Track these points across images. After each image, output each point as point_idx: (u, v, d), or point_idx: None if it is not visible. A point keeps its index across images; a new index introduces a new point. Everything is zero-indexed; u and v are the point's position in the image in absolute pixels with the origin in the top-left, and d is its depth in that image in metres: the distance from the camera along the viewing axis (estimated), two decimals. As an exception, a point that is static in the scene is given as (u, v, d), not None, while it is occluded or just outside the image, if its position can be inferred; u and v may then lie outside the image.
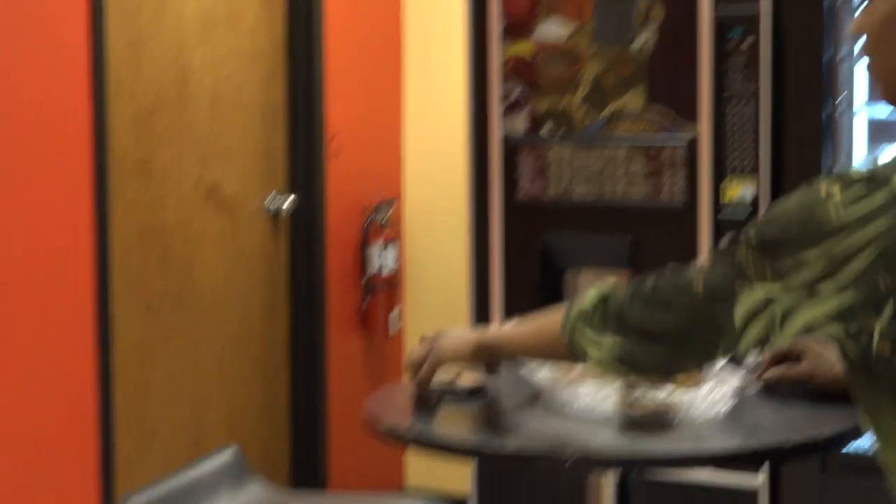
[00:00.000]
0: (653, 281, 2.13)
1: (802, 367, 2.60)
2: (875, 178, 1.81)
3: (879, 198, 1.80)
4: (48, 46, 3.70)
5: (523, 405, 2.63)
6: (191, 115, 4.30)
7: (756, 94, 3.97)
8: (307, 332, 4.74)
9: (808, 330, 1.91)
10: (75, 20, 3.76)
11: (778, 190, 3.97)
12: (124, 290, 4.02)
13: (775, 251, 1.89)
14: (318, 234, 4.74)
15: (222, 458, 3.16)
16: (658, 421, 2.45)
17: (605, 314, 2.17)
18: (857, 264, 1.81)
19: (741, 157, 4.01)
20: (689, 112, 4.06)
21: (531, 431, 2.51)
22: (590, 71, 4.19)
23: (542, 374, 2.59)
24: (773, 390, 2.61)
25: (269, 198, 4.64)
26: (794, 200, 1.89)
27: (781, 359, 2.63)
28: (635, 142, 4.14)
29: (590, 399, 2.51)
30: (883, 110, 3.96)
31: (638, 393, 2.47)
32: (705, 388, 2.50)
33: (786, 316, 1.92)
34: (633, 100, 4.14)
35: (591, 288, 2.22)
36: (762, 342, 1.98)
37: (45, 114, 3.71)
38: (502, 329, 2.48)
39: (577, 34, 4.20)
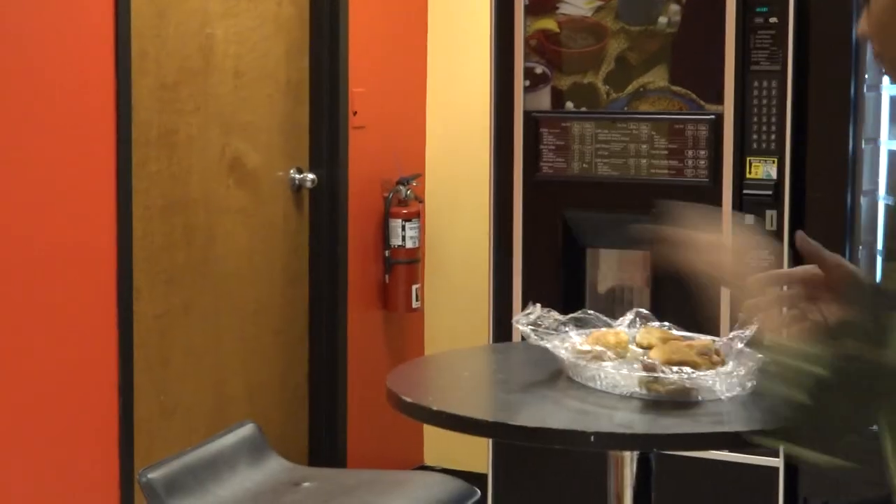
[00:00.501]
0: None
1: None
2: None
3: None
4: (73, 19, 3.70)
5: (543, 382, 2.63)
6: (215, 87, 4.30)
7: (781, 73, 3.95)
8: (328, 306, 4.75)
9: None
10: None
11: (801, 169, 3.95)
12: (146, 262, 4.03)
13: None
14: (341, 209, 4.73)
15: (241, 434, 3.16)
16: (678, 400, 2.44)
17: None
18: None
19: (765, 136, 3.99)
20: (713, 90, 4.04)
21: (551, 408, 2.51)
22: (614, 48, 4.17)
23: (562, 351, 2.59)
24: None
25: (291, 171, 4.63)
26: None
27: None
28: (659, 119, 4.12)
29: (610, 377, 2.51)
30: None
31: (658, 372, 2.46)
32: (727, 368, 2.50)
33: None
34: (656, 77, 4.13)
35: None
36: None
37: (69, 86, 3.72)
38: None
39: (602, 10, 4.18)
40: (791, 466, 4.01)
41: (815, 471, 3.97)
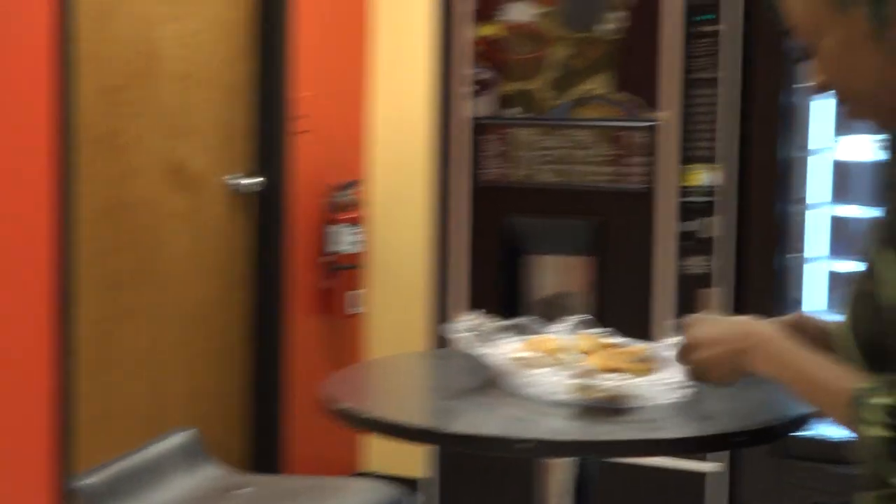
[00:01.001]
0: None
1: None
2: None
3: None
4: (14, 18, 3.67)
5: (479, 388, 2.62)
6: (159, 91, 4.28)
7: (720, 81, 3.97)
8: (268, 311, 4.73)
9: None
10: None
11: (741, 176, 3.97)
12: (88, 266, 4.00)
13: None
14: (282, 214, 4.72)
15: (178, 440, 3.15)
16: (612, 407, 2.44)
17: None
18: None
19: (706, 143, 4.01)
20: (654, 97, 4.05)
21: (486, 415, 2.50)
22: (557, 54, 4.17)
23: (498, 358, 2.58)
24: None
25: (234, 175, 4.61)
26: None
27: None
28: (601, 126, 4.13)
29: (545, 383, 2.50)
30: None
31: (593, 378, 2.46)
32: (661, 375, 2.50)
33: None
34: (599, 84, 4.13)
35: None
36: None
37: (10, 87, 3.68)
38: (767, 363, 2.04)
39: (545, 17, 4.19)
40: (731, 472, 4.03)
41: (754, 476, 3.99)
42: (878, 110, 1.89)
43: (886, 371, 1.79)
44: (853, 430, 1.80)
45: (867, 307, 1.86)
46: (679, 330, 2.16)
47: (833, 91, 1.98)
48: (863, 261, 1.89)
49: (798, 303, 4.05)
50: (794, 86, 3.91)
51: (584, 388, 2.46)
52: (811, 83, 2.01)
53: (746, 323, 2.03)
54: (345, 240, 4.95)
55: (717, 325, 2.07)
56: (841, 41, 1.92)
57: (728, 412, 2.52)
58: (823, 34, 1.94)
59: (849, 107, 1.99)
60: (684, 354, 2.12)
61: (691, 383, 2.37)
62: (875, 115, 1.89)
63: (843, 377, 1.83)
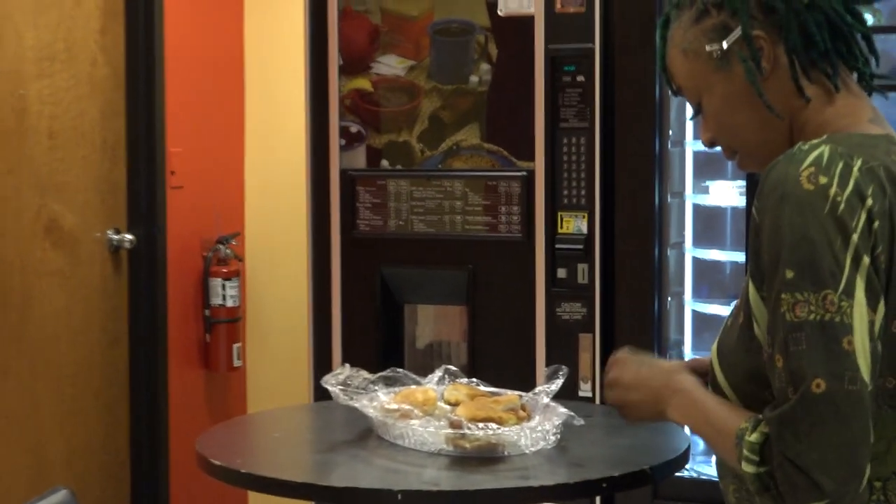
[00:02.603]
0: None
1: None
2: (838, 154, 1.81)
3: (857, 169, 1.80)
4: None
5: (356, 441, 2.64)
6: (29, 148, 4.24)
7: (589, 130, 4.03)
8: (148, 366, 4.70)
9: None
10: None
11: (610, 223, 4.02)
12: (-41, 327, 3.95)
13: (809, 256, 1.77)
14: (159, 269, 4.69)
15: (53, 501, 3.10)
16: (485, 455, 2.47)
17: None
18: (868, 236, 1.78)
19: (575, 191, 4.06)
20: (524, 147, 4.10)
21: (363, 467, 2.52)
22: (427, 106, 4.21)
23: (374, 409, 2.60)
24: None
25: (109, 231, 4.58)
26: (788, 214, 1.78)
27: None
28: (472, 176, 4.17)
29: (420, 434, 2.52)
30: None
31: (466, 428, 2.48)
32: (532, 423, 2.53)
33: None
34: (469, 135, 4.18)
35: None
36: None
37: None
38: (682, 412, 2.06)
39: (415, 70, 4.23)
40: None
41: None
42: (762, 161, 1.94)
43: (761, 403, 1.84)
44: (736, 465, 1.85)
45: (735, 339, 1.91)
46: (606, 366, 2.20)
47: (721, 145, 2.04)
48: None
49: (679, 343, 4.12)
50: (659, 134, 3.98)
51: (455, 438, 2.48)
52: (701, 139, 2.08)
53: (667, 372, 2.07)
54: (224, 293, 4.93)
55: (640, 368, 2.11)
56: (723, 98, 2.00)
57: (599, 458, 2.57)
58: (706, 93, 2.01)
59: (737, 159, 2.06)
60: (607, 390, 2.17)
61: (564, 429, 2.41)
62: (761, 166, 1.93)
63: (737, 419, 1.87)
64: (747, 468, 1.82)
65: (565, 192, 4.07)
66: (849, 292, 1.76)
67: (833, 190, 1.78)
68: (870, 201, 1.78)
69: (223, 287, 4.91)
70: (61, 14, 4.36)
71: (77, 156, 4.44)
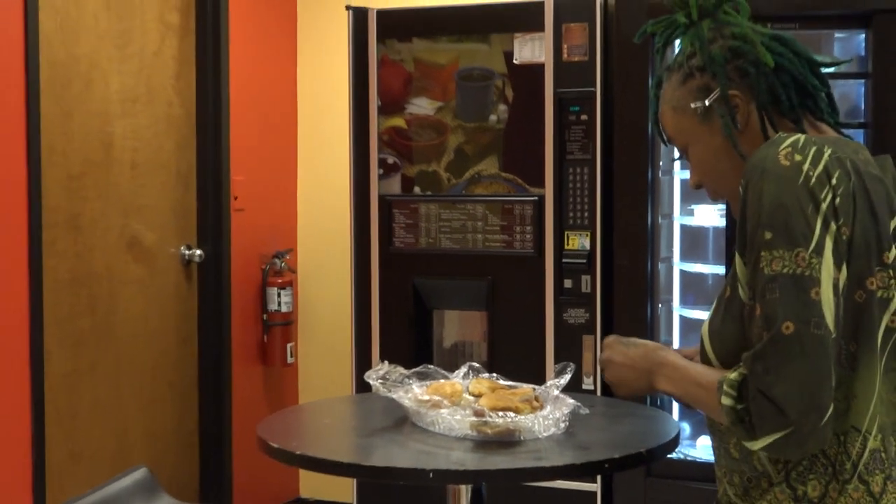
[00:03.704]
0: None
1: None
2: (813, 142, 1.83)
3: (827, 156, 1.81)
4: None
5: (394, 427, 2.62)
6: (115, 177, 4.25)
7: (591, 161, 4.02)
8: (214, 363, 4.69)
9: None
10: (14, 96, 3.71)
11: (609, 240, 4.01)
12: (56, 328, 3.95)
13: (785, 219, 1.78)
14: (224, 279, 4.69)
15: (135, 477, 3.09)
16: (504, 440, 2.45)
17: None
18: (833, 210, 1.79)
19: (579, 214, 4.05)
20: (536, 175, 4.10)
21: (400, 449, 2.50)
22: (453, 141, 4.21)
23: (409, 400, 2.59)
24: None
25: (182, 247, 4.59)
26: (767, 185, 1.80)
27: None
28: (491, 201, 4.16)
29: (448, 421, 2.51)
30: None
31: (488, 416, 2.47)
32: (544, 412, 2.51)
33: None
34: (489, 165, 4.17)
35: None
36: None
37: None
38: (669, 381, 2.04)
39: (443, 110, 4.22)
40: (607, 492, 4.04)
41: (627, 494, 4.00)
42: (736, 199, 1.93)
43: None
44: (720, 413, 1.84)
45: (722, 312, 1.91)
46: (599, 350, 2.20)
47: (706, 188, 2.05)
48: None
49: (669, 344, 4.09)
50: (651, 165, 3.97)
51: (478, 424, 2.47)
52: (690, 182, 2.08)
53: (652, 349, 2.05)
54: (279, 300, 4.93)
55: (628, 349, 2.08)
56: (706, 148, 2.01)
57: (602, 442, 2.54)
58: (692, 143, 2.02)
59: (721, 200, 2.06)
60: (601, 370, 2.15)
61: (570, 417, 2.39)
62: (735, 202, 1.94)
63: (718, 373, 1.86)
64: (726, 401, 1.81)
65: (571, 214, 4.06)
66: (818, 251, 1.77)
67: (806, 166, 1.79)
68: (835, 181, 1.80)
69: (278, 295, 4.91)
70: (142, 63, 4.36)
71: (155, 183, 4.45)
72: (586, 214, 4.03)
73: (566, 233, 4.07)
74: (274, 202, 5.09)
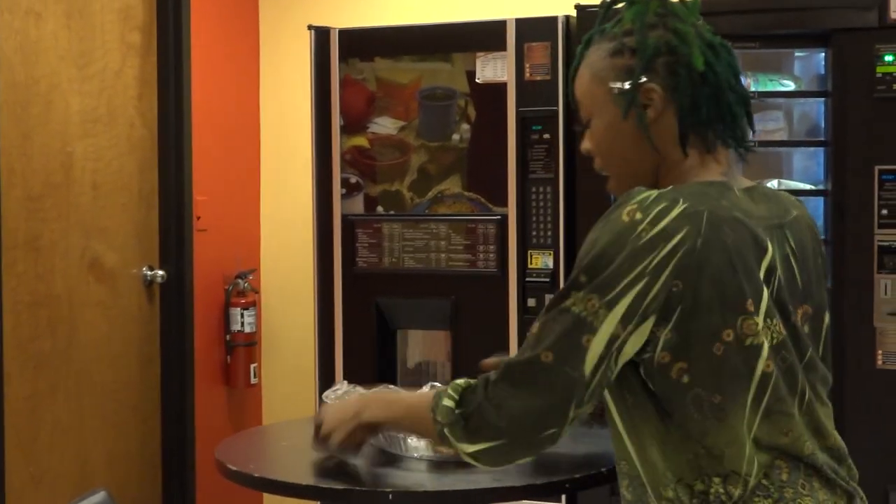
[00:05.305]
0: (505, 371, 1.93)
1: None
2: (666, 198, 1.85)
3: (675, 213, 1.84)
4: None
5: (355, 448, 2.61)
6: (75, 198, 4.23)
7: (554, 180, 4.03)
8: (178, 385, 4.67)
9: (627, 353, 1.86)
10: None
11: (571, 258, 4.02)
12: (16, 350, 3.93)
13: (599, 270, 1.84)
14: (187, 300, 4.68)
15: (94, 500, 3.07)
16: (462, 460, 2.45)
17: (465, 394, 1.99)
18: (661, 279, 1.82)
19: (542, 232, 4.06)
20: (499, 194, 4.11)
21: (361, 470, 2.50)
22: (416, 160, 4.22)
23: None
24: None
25: (144, 268, 4.57)
26: (603, 235, 1.86)
27: None
28: (454, 220, 4.17)
29: (407, 442, 2.51)
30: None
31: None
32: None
33: (616, 357, 1.85)
34: (452, 184, 4.18)
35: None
36: (602, 385, 1.88)
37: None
38: (378, 408, 2.21)
39: (405, 129, 4.23)
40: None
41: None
42: (624, 187, 1.98)
43: None
44: (432, 429, 1.98)
45: None
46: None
47: (595, 162, 2.06)
48: None
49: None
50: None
51: (437, 446, 2.46)
52: (581, 147, 2.10)
53: (371, 392, 2.25)
54: (242, 321, 4.92)
55: (334, 404, 2.28)
56: (609, 126, 2.01)
57: (564, 462, 2.54)
58: (598, 115, 2.02)
59: (605, 173, 2.08)
60: (322, 434, 2.32)
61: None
62: (621, 191, 1.97)
63: (431, 394, 2.01)
64: (447, 402, 1.95)
65: (534, 233, 4.08)
66: (610, 305, 1.83)
67: (643, 226, 1.82)
68: (678, 240, 1.81)
69: (241, 315, 4.90)
70: (103, 83, 4.36)
71: (117, 203, 4.43)
72: (549, 233, 4.05)
73: (529, 252, 4.08)
74: (237, 222, 5.08)
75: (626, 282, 1.81)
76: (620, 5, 2.05)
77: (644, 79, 1.96)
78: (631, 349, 1.85)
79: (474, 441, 1.90)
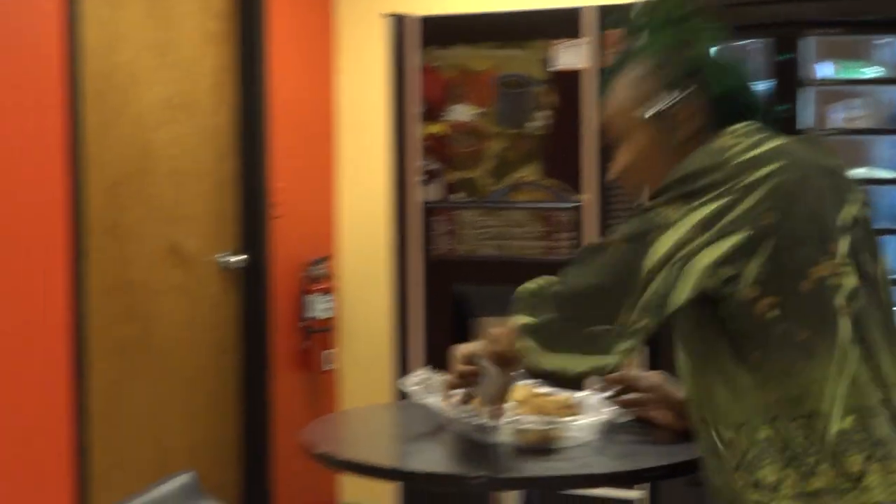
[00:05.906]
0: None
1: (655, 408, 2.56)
2: (763, 131, 1.95)
3: (769, 147, 1.91)
4: (28, 127, 3.69)
5: (435, 432, 2.64)
6: (154, 185, 4.29)
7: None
8: (255, 370, 4.73)
9: (698, 282, 1.87)
10: (54, 105, 3.76)
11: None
12: (98, 336, 3.99)
13: (687, 180, 1.89)
14: (264, 286, 4.73)
15: (180, 481, 3.12)
16: (543, 446, 2.47)
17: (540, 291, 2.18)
18: (750, 201, 1.86)
19: (618, 219, 4.06)
20: (576, 182, 4.11)
21: (441, 455, 2.52)
22: (493, 147, 4.23)
23: (446, 406, 2.60)
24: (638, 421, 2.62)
25: (222, 254, 4.63)
26: (694, 158, 1.92)
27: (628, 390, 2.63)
28: (532, 207, 4.17)
29: (489, 428, 2.53)
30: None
31: (528, 422, 2.48)
32: (582, 418, 2.52)
33: (684, 266, 1.87)
34: (529, 172, 4.19)
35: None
36: (660, 305, 1.90)
37: (28, 190, 3.70)
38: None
39: (483, 116, 4.24)
40: (653, 497, 4.04)
41: (672, 501, 4.00)
42: (648, 190, 2.04)
43: None
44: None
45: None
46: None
47: (624, 179, 2.11)
48: None
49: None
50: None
51: (518, 430, 2.48)
52: (608, 174, 2.16)
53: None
54: (319, 307, 4.96)
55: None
56: (643, 145, 2.06)
57: (643, 450, 2.54)
58: (626, 136, 2.07)
59: (628, 190, 2.16)
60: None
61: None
62: (643, 193, 2.08)
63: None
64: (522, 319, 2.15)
65: (609, 222, 4.08)
66: (690, 210, 1.88)
67: (735, 150, 1.92)
68: (769, 169, 1.88)
69: (318, 301, 4.94)
70: (182, 71, 4.41)
71: (196, 191, 4.49)
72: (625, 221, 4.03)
73: (606, 239, 4.07)
74: (313, 209, 5.13)
75: (711, 195, 1.86)
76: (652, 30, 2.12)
77: (678, 97, 2.03)
78: (699, 265, 1.86)
79: (535, 314, 2.08)
